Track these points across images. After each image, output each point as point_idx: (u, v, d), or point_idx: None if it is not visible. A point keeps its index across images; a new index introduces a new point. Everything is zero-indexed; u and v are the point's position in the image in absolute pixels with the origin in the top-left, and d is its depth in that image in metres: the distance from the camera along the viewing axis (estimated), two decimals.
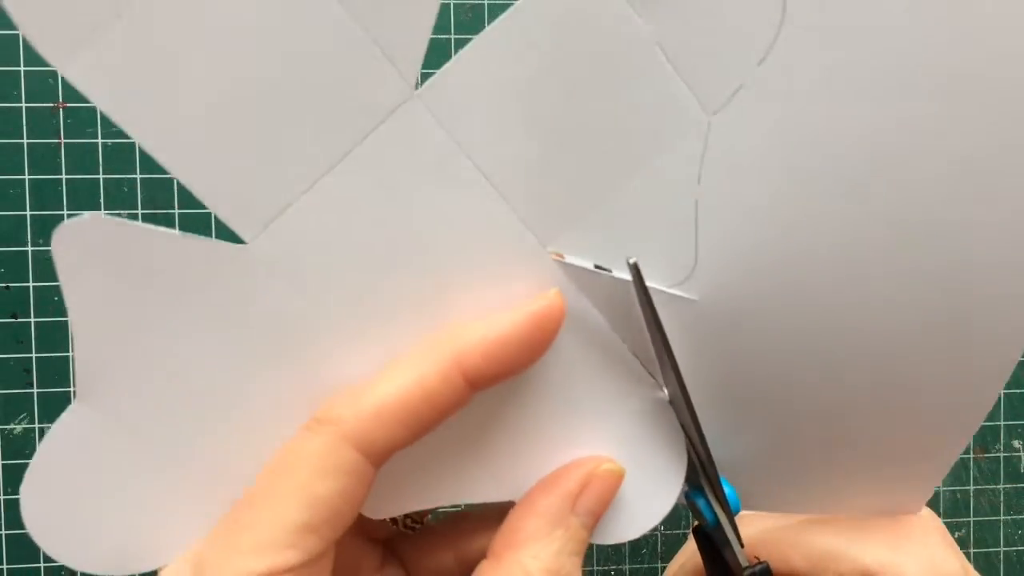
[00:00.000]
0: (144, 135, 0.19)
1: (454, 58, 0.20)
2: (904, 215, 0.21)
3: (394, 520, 0.25)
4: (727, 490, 0.23)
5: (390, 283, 0.20)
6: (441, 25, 0.39)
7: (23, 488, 0.20)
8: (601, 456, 0.22)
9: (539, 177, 0.20)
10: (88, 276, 0.19)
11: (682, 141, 0.20)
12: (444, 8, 0.39)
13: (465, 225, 0.20)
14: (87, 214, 0.19)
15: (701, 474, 0.23)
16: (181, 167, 0.19)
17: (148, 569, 0.21)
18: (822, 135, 0.20)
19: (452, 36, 0.39)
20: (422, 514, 0.26)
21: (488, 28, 0.20)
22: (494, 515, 0.24)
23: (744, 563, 0.23)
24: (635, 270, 0.20)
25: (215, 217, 0.19)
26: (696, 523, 0.24)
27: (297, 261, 0.20)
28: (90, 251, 0.19)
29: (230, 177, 0.19)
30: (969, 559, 0.42)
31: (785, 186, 0.21)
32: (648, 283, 0.21)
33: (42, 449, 0.20)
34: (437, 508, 0.26)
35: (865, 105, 0.20)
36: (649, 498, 0.22)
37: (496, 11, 0.39)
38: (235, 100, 0.19)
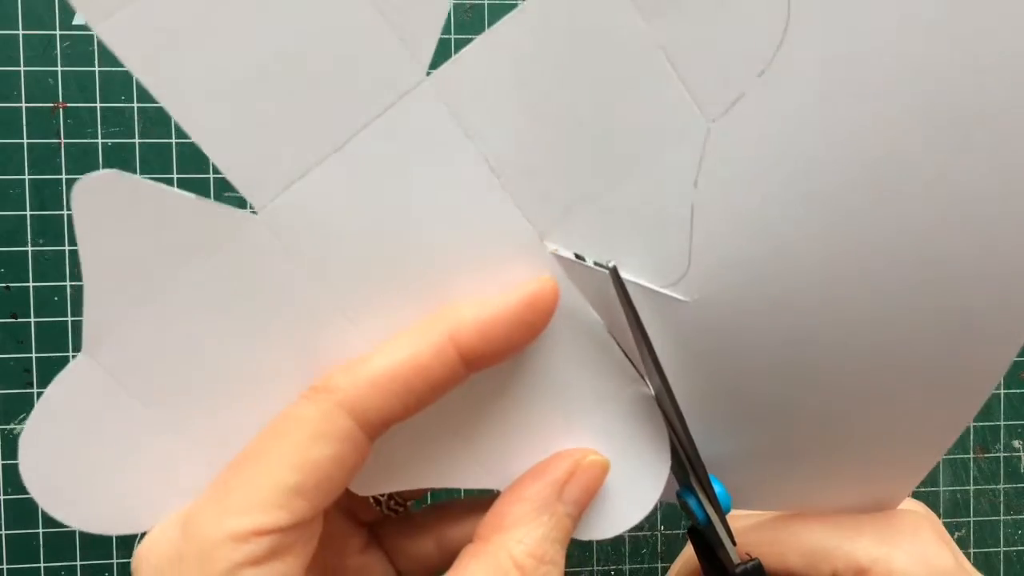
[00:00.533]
0: (168, 98, 0.19)
1: (465, 48, 0.20)
2: (897, 239, 0.21)
3: (378, 501, 0.26)
4: (717, 488, 0.23)
5: (391, 262, 0.21)
6: None
7: (23, 437, 0.20)
8: (587, 448, 0.22)
9: (540, 171, 0.21)
10: (104, 231, 0.19)
11: (682, 145, 0.21)
12: None
13: (466, 212, 0.21)
14: (108, 170, 0.19)
15: (690, 472, 0.23)
16: (201, 131, 0.19)
17: (140, 531, 0.21)
18: (819, 154, 0.20)
19: (452, 36, 0.39)
20: (405, 497, 0.26)
21: (499, 23, 0.20)
22: (477, 505, 0.25)
23: (736, 560, 0.23)
24: (615, 274, 0.21)
25: None
26: (691, 523, 0.24)
27: (303, 234, 0.20)
28: (108, 206, 0.19)
29: (247, 145, 0.19)
30: (969, 559, 0.42)
31: (780, 200, 0.21)
32: (640, 282, 0.21)
33: (45, 399, 0.20)
34: (424, 490, 0.26)
35: (863, 129, 0.20)
36: (633, 493, 0.23)
37: (495, 11, 0.39)
38: (257, 72, 0.19)
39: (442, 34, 0.42)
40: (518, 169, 0.21)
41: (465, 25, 0.39)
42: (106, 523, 0.21)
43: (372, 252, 0.20)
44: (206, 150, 0.19)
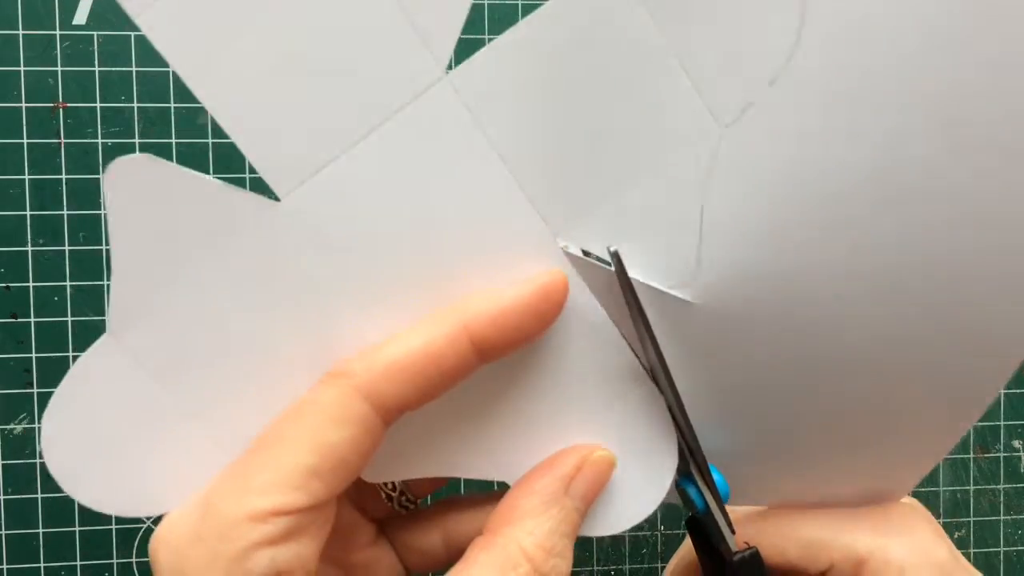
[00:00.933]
0: (200, 86, 0.20)
1: (484, 48, 0.21)
2: (902, 247, 0.21)
3: (389, 497, 0.26)
4: (716, 477, 0.24)
5: (407, 254, 0.21)
6: None
7: (45, 415, 0.20)
8: (595, 444, 0.23)
9: (554, 170, 0.21)
10: (135, 214, 0.20)
11: (693, 149, 0.21)
12: None
13: (481, 208, 0.21)
14: (141, 154, 0.20)
15: (690, 460, 0.23)
16: (229, 119, 0.20)
17: (156, 513, 0.21)
18: (826, 164, 0.21)
19: None
20: (416, 495, 0.27)
21: (518, 24, 0.21)
22: (483, 500, 0.25)
23: (734, 548, 0.24)
24: (616, 259, 0.21)
25: None
26: (689, 514, 0.24)
27: (322, 223, 0.21)
28: (140, 189, 0.20)
29: (272, 134, 0.20)
30: (969, 559, 0.42)
31: (788, 208, 0.21)
32: (648, 282, 0.22)
33: (69, 377, 0.21)
34: (436, 484, 0.26)
35: (870, 140, 0.21)
36: (639, 490, 0.23)
37: (496, 11, 0.39)
38: (285, 64, 0.20)
39: None
40: (533, 168, 0.21)
41: (467, 25, 0.39)
42: (121, 505, 0.21)
43: (389, 243, 0.21)
44: (234, 137, 0.20)
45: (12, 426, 0.38)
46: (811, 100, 0.20)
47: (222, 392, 0.21)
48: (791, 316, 0.22)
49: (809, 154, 0.21)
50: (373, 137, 0.20)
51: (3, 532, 0.38)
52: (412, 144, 0.20)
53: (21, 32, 0.38)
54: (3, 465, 0.38)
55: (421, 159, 0.21)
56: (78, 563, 0.39)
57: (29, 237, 0.38)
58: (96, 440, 0.21)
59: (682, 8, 0.20)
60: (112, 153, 0.38)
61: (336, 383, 0.20)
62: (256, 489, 0.19)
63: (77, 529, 0.39)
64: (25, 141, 0.38)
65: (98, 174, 0.38)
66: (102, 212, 0.38)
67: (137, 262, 0.20)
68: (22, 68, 0.38)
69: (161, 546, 0.19)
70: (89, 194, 0.38)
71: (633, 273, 0.22)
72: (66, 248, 0.38)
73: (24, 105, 0.38)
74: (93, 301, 0.38)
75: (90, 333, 0.38)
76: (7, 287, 0.38)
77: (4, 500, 0.38)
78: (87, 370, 0.20)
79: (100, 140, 0.38)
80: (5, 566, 0.38)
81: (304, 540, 0.19)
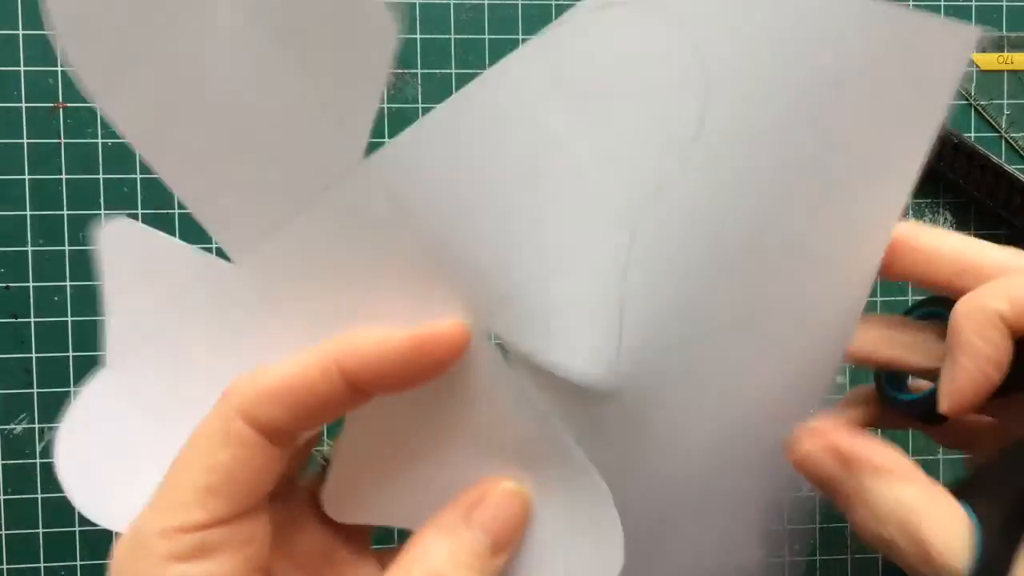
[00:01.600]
0: (159, 165, 0.22)
1: (406, 131, 0.21)
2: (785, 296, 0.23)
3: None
4: None
5: (327, 326, 0.22)
6: (441, 25, 0.39)
7: (57, 438, 0.23)
8: (501, 477, 0.23)
9: (476, 259, 0.21)
10: (121, 272, 0.23)
11: (611, 236, 0.21)
12: (444, 8, 0.39)
13: (400, 297, 0.22)
14: (123, 218, 0.23)
15: None
16: (184, 191, 0.22)
17: None
18: (731, 231, 0.22)
19: (452, 36, 0.39)
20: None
21: (437, 108, 0.21)
22: None
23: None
24: None
25: None
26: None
27: (269, 283, 0.22)
28: (126, 251, 0.23)
29: (221, 209, 0.22)
30: None
31: (698, 279, 0.22)
32: (572, 367, 0.22)
33: (77, 403, 0.24)
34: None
35: (760, 198, 0.22)
36: (588, 561, 0.22)
37: (495, 11, 0.39)
38: (227, 147, 0.21)
39: (442, 34, 0.42)
40: (454, 257, 0.21)
41: (465, 25, 0.39)
42: (114, 520, 0.23)
43: (322, 314, 0.22)
44: (192, 210, 0.22)
45: (12, 426, 0.38)
46: (715, 176, 0.21)
47: (186, 424, 0.22)
48: (709, 388, 0.23)
49: (717, 224, 0.22)
50: (305, 215, 0.21)
51: (3, 532, 0.38)
52: (337, 226, 0.21)
53: (21, 32, 0.38)
54: (3, 465, 0.38)
55: (345, 241, 0.22)
56: (78, 563, 0.39)
57: (29, 237, 0.38)
58: (99, 460, 0.23)
59: (588, 95, 0.21)
60: (112, 153, 0.38)
61: (220, 403, 0.21)
62: (162, 507, 0.20)
63: (77, 529, 0.39)
64: (25, 141, 0.38)
65: (98, 174, 0.38)
66: (102, 212, 0.38)
67: (125, 314, 0.23)
68: (22, 68, 0.38)
69: (112, 561, 0.21)
70: (89, 194, 0.38)
71: (554, 359, 0.22)
72: (66, 248, 0.38)
73: (24, 105, 0.38)
74: (93, 301, 0.38)
75: (90, 333, 0.38)
76: (7, 287, 0.38)
77: (4, 500, 0.38)
78: (93, 396, 0.23)
79: (100, 140, 0.38)
80: (5, 566, 0.38)
81: (221, 556, 0.20)
